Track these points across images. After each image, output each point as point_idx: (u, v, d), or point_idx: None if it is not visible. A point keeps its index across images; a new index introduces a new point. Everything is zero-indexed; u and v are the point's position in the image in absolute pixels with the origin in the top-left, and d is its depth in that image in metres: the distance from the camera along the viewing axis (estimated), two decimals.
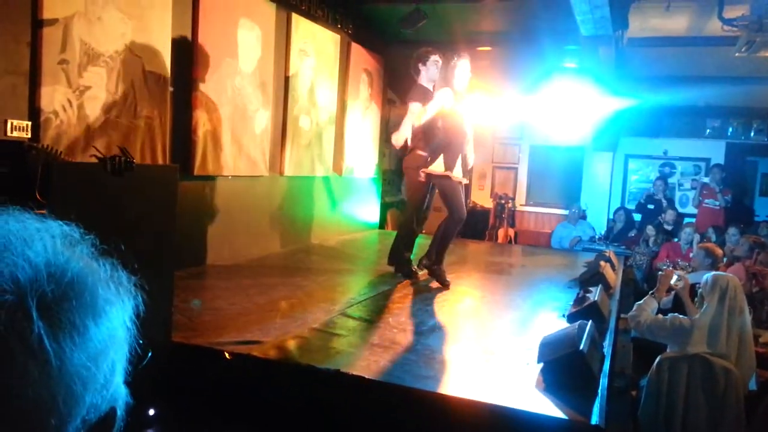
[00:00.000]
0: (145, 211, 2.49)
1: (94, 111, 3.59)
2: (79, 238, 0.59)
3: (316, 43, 6.00)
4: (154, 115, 4.06)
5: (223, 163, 4.82)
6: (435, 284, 4.47)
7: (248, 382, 2.63)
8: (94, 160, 2.68)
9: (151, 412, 1.96)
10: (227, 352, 2.69)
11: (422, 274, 4.59)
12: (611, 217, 8.82)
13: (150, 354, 0.63)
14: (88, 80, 3.55)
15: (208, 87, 4.55)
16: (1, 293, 0.49)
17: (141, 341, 0.61)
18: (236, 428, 2.46)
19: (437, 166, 4.32)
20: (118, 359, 0.57)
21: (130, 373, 0.59)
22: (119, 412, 0.57)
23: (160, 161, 4.07)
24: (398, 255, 4.70)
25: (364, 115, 7.31)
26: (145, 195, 2.55)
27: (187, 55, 4.38)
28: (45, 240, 0.55)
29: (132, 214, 2.39)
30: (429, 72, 4.59)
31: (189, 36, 4.38)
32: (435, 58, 4.59)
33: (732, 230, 6.39)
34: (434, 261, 4.43)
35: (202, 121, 4.52)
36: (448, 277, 4.41)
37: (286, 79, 5.59)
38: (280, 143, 5.61)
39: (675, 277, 3.70)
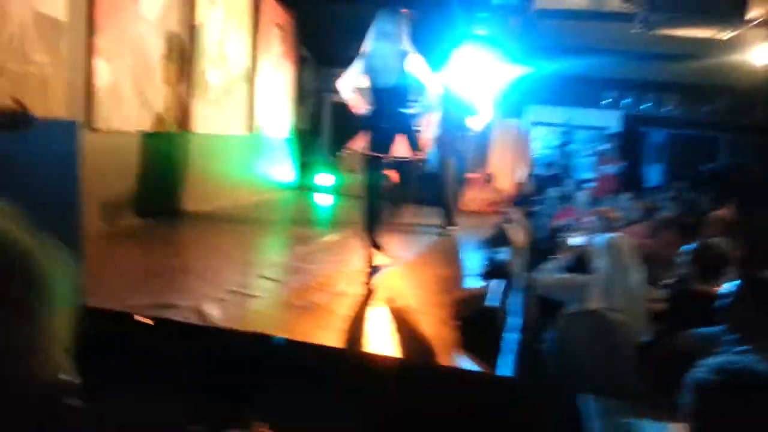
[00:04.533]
0: (44, 173, 2.30)
1: None
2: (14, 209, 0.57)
3: None
4: (47, 62, 3.73)
5: (126, 118, 4.53)
6: (350, 245, 4.49)
7: (165, 346, 2.55)
8: None
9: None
10: (142, 317, 2.58)
11: None
12: (517, 181, 9.21)
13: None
14: None
15: (108, 33, 4.22)
16: None
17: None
18: (153, 394, 2.39)
19: None
20: (61, 327, 0.57)
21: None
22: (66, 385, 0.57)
23: (56, 114, 3.75)
24: None
25: (277, 72, 7.10)
26: (43, 154, 2.35)
27: None
28: None
29: (29, 177, 2.20)
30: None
31: None
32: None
33: (624, 196, 6.87)
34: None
35: (102, 70, 4.21)
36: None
37: (192, 28, 5.29)
38: (188, 98, 5.35)
39: (579, 240, 3.93)
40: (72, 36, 3.91)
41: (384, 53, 3.83)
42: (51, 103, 3.75)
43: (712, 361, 1.42)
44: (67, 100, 3.89)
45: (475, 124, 5.23)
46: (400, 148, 3.85)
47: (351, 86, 3.95)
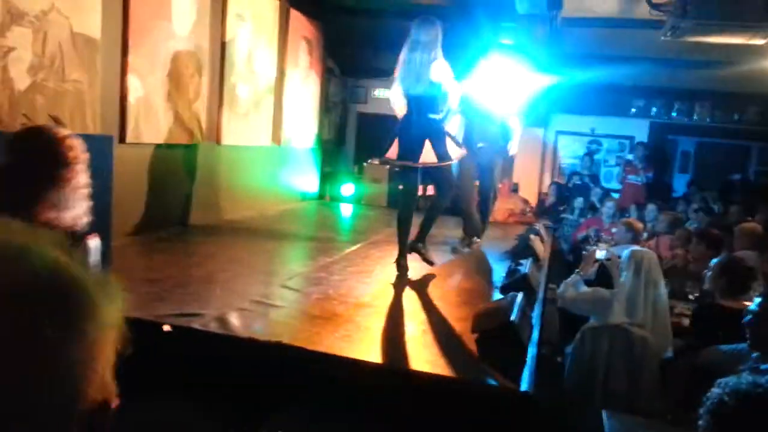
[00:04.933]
0: None
1: (19, 74, 3.40)
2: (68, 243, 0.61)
3: (253, 9, 5.85)
4: (84, 80, 3.87)
5: (157, 131, 4.67)
6: (373, 256, 4.54)
7: (188, 354, 2.62)
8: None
9: None
10: (166, 325, 2.66)
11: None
12: (542, 191, 9.18)
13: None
14: (12, 41, 3.34)
15: (141, 51, 4.37)
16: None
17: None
18: (176, 402, 2.46)
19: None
20: (111, 356, 0.61)
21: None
22: (113, 406, 0.61)
23: (90, 129, 3.89)
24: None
25: (304, 83, 7.22)
26: None
27: (119, 16, 4.18)
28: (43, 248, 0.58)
29: None
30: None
31: None
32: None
33: (650, 206, 6.78)
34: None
35: (134, 86, 4.35)
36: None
37: (223, 44, 5.43)
38: (217, 111, 5.48)
39: (604, 253, 3.91)
40: (106, 54, 4.06)
41: (414, 62, 3.90)
42: (87, 119, 3.90)
43: (729, 381, 1.36)
44: (101, 115, 4.04)
45: (512, 146, 5.19)
46: (429, 155, 3.91)
47: (397, 95, 4.02)
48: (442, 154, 3.93)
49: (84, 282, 0.58)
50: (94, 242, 1.88)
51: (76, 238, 1.83)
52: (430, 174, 4.14)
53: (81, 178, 1.87)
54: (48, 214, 1.75)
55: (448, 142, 3.99)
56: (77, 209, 1.84)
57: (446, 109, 4.06)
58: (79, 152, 1.88)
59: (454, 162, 4.07)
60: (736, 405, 1.30)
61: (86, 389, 0.57)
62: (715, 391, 1.36)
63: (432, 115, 3.93)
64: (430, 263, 4.12)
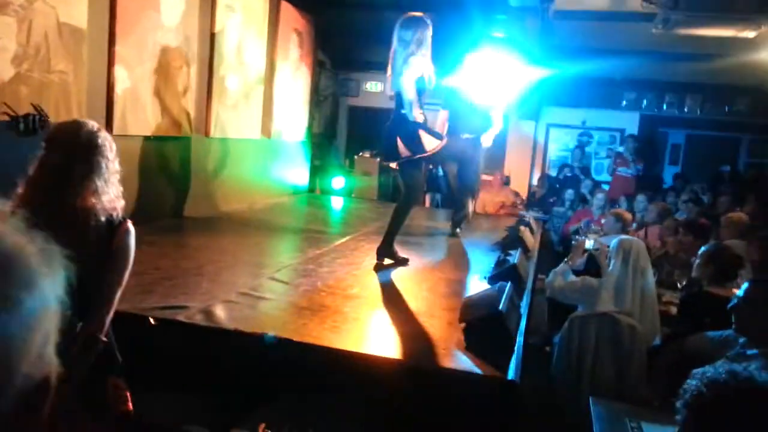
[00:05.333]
0: None
1: (3, 64, 3.36)
2: (8, 211, 0.59)
3: (243, 0, 5.81)
4: (69, 71, 3.84)
5: (145, 123, 4.64)
6: (362, 248, 4.54)
7: (174, 347, 2.61)
8: (4, 118, 2.54)
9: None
10: (152, 318, 2.65)
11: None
12: (533, 183, 9.19)
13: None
14: None
15: (128, 41, 4.33)
16: None
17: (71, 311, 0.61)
18: (162, 395, 2.45)
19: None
20: (51, 330, 0.58)
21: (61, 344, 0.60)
22: (52, 382, 0.58)
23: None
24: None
25: (294, 76, 7.18)
26: None
27: (106, 6, 4.14)
28: None
29: None
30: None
31: None
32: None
33: (640, 197, 6.80)
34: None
35: (121, 77, 4.32)
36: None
37: (212, 35, 5.39)
38: (206, 103, 5.45)
39: (592, 242, 3.92)
40: (93, 44, 4.02)
41: (397, 57, 3.90)
42: (72, 110, 3.86)
43: (707, 371, 1.32)
44: (87, 106, 4.00)
45: (487, 138, 5.21)
46: (404, 150, 3.91)
47: (388, 90, 4.07)
48: (412, 150, 3.92)
49: (21, 250, 0.55)
50: (132, 228, 2.08)
51: (115, 220, 2.02)
52: (405, 168, 4.11)
53: (115, 165, 2.06)
54: (90, 200, 1.95)
55: (422, 135, 3.95)
56: (113, 194, 2.04)
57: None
58: (112, 142, 2.07)
59: (428, 154, 3.99)
60: (714, 396, 1.26)
61: (19, 365, 0.53)
62: (691, 382, 1.32)
63: (403, 111, 3.92)
64: (405, 262, 4.10)
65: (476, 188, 5.47)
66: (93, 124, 2.05)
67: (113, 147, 2.07)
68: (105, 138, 2.04)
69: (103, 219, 2.00)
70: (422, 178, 4.42)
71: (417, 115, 3.92)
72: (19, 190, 1.94)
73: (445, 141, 4.09)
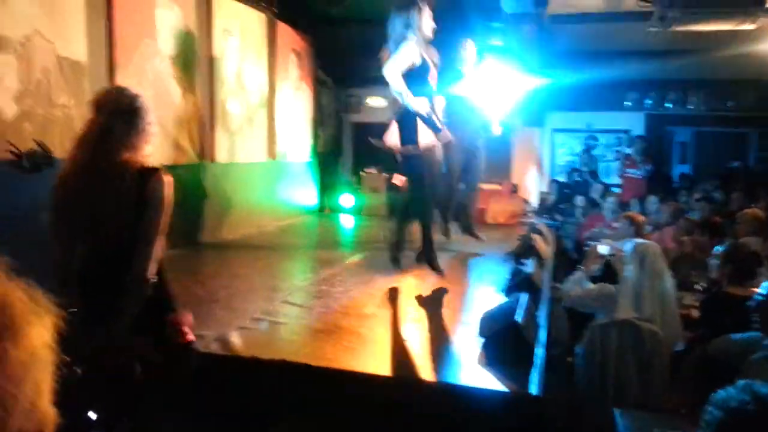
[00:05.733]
0: None
1: (6, 102, 3.37)
2: None
3: (240, 23, 5.83)
4: (71, 104, 3.84)
5: (149, 153, 4.63)
6: (375, 266, 4.49)
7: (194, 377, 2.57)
8: (8, 156, 2.53)
9: (93, 415, 1.90)
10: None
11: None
12: (543, 190, 9.12)
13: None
14: None
15: (128, 71, 4.33)
16: None
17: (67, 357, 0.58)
18: (179, 423, 2.41)
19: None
20: (43, 379, 0.54)
21: (59, 391, 0.57)
22: None
23: None
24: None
25: (295, 96, 7.19)
26: None
27: (103, 37, 4.15)
28: None
29: None
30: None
31: (104, 17, 4.14)
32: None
33: (652, 198, 6.73)
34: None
35: None
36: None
37: (211, 60, 5.41)
38: (209, 129, 5.45)
39: (607, 248, 3.85)
40: (93, 76, 4.03)
41: (391, 48, 3.92)
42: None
43: (751, 384, 1.28)
44: None
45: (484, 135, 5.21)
46: (394, 138, 3.96)
47: None
48: (403, 138, 3.90)
49: (6, 297, 0.53)
50: (167, 178, 2.22)
51: (148, 172, 2.18)
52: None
53: (152, 127, 2.27)
54: (127, 154, 2.16)
55: (420, 126, 3.85)
56: (147, 149, 2.24)
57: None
58: (149, 107, 2.28)
59: (419, 150, 3.91)
60: (760, 410, 1.21)
61: (8, 418, 0.50)
62: (731, 392, 1.28)
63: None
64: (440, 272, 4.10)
65: (477, 189, 5.45)
66: (134, 91, 2.28)
67: (150, 110, 2.28)
68: (143, 103, 2.25)
69: (137, 171, 2.16)
70: (428, 168, 4.08)
71: (415, 103, 3.79)
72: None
73: (439, 141, 4.02)
